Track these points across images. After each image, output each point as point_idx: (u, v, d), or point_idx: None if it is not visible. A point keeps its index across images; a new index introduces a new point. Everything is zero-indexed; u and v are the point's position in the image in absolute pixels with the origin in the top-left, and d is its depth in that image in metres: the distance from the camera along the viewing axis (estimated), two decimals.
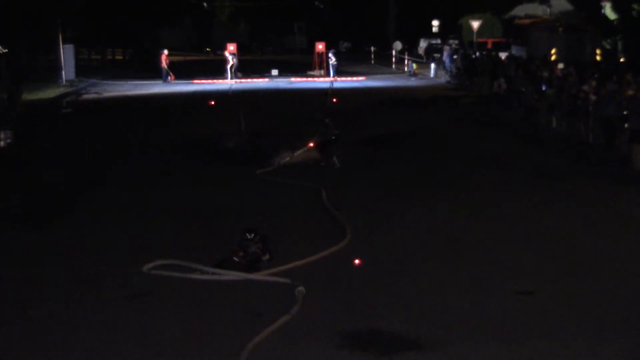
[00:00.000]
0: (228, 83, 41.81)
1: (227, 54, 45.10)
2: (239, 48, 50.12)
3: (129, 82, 44.05)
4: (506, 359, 7.63)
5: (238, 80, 43.87)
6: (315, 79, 45.33)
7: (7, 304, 9.39)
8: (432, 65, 47.30)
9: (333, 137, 18.02)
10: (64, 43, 43.71)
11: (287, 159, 18.27)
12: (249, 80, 44.56)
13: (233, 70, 44.31)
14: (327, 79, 43.78)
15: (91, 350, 7.95)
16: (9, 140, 21.60)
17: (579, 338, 8.05)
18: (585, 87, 21.78)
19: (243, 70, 47.45)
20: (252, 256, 10.35)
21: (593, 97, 20.64)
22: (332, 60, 45.23)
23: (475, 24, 48.86)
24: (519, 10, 58.73)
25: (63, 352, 7.93)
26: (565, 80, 23.91)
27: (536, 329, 8.30)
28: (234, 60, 44.85)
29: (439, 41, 63.53)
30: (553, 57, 40.68)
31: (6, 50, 32.67)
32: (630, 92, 19.24)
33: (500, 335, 8.16)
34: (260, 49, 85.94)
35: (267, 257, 10.52)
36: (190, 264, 10.30)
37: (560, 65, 29.08)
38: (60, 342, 8.16)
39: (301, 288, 9.24)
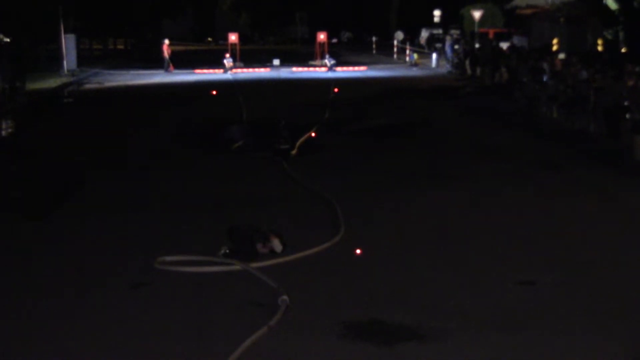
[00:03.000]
0: (226, 74, 41.86)
1: (225, 60, 44.79)
2: (240, 38, 50.14)
3: (130, 72, 44.09)
4: (507, 349, 7.66)
5: (240, 70, 43.90)
6: (317, 69, 45.39)
7: (7, 294, 9.41)
8: (434, 55, 47.32)
9: (283, 147, 18.02)
10: (65, 33, 43.73)
11: (294, 152, 18.24)
12: (250, 70, 44.57)
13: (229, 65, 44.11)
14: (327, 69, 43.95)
15: (92, 340, 7.98)
16: (10, 130, 21.57)
17: (580, 328, 8.08)
18: (584, 77, 21.83)
19: (245, 60, 47.47)
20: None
21: (593, 87, 20.68)
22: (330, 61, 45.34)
23: (477, 14, 48.82)
24: (521, 1, 58.66)
25: (63, 341, 7.96)
26: (566, 70, 23.92)
27: (537, 319, 8.32)
28: (232, 62, 44.68)
29: (440, 31, 63.49)
30: (554, 48, 40.66)
31: (8, 40, 32.65)
32: (631, 83, 19.24)
33: (502, 325, 8.18)
34: (261, 39, 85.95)
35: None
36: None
37: (562, 56, 29.05)
38: (59, 331, 8.20)
39: (285, 297, 8.77)
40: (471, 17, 50.48)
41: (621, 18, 39.70)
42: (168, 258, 10.32)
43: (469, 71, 38.99)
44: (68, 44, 43.74)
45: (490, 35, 48.43)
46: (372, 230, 11.96)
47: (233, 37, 48.38)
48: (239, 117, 23.68)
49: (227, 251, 10.49)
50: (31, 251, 11.13)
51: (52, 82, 37.13)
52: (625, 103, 18.89)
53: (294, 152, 18.16)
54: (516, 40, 46.70)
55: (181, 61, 47.10)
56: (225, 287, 9.46)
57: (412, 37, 61.76)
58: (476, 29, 49.43)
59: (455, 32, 54.81)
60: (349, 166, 16.96)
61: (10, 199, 14.48)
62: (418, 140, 20.61)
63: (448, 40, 45.48)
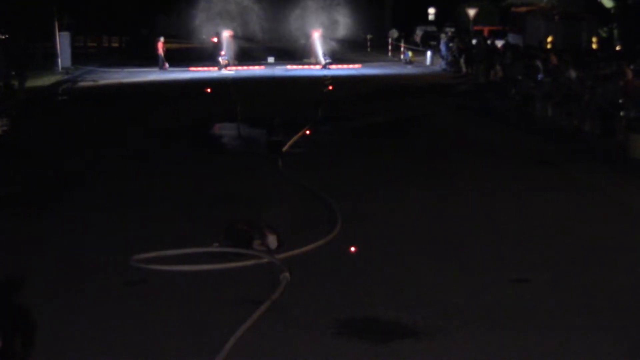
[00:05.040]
0: (220, 72, 41.93)
1: (219, 58, 44.67)
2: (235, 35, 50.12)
3: (124, 70, 43.99)
4: (503, 347, 7.66)
5: (234, 68, 43.86)
6: (312, 66, 45.36)
7: (2, 292, 9.38)
8: (428, 53, 47.29)
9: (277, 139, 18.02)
10: (60, 31, 43.63)
11: (286, 149, 18.22)
12: (245, 67, 44.52)
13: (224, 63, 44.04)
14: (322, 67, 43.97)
15: (87, 337, 7.97)
16: (4, 128, 21.52)
17: (575, 326, 8.09)
18: (573, 76, 21.87)
19: (239, 57, 47.40)
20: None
21: (588, 85, 20.69)
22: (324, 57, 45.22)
23: (472, 12, 48.82)
24: None
25: (58, 338, 7.94)
26: (560, 68, 23.92)
27: (532, 317, 8.33)
28: (227, 59, 44.59)
29: (435, 29, 63.49)
30: (549, 46, 40.69)
31: (3, 37, 32.61)
32: (625, 81, 19.24)
33: (497, 323, 8.19)
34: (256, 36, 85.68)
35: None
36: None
37: None
38: (54, 328, 8.19)
39: (286, 274, 9.07)
40: (466, 15, 50.48)
41: (616, 16, 39.79)
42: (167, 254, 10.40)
43: (463, 69, 39.00)
44: (63, 41, 43.66)
45: (485, 33, 48.39)
46: (367, 228, 11.95)
47: (227, 34, 48.34)
48: (233, 115, 23.62)
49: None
50: (27, 248, 11.11)
51: (46, 80, 37.05)
52: (620, 101, 18.90)
53: (285, 148, 18.14)
54: (511, 38, 46.71)
55: (175, 59, 46.98)
56: (221, 284, 9.45)
57: (406, 35, 61.66)
58: (471, 27, 49.43)
59: (450, 30, 54.80)
60: (343, 163, 16.95)
61: (4, 196, 14.44)
62: (413, 137, 20.60)
63: (443, 38, 45.45)
